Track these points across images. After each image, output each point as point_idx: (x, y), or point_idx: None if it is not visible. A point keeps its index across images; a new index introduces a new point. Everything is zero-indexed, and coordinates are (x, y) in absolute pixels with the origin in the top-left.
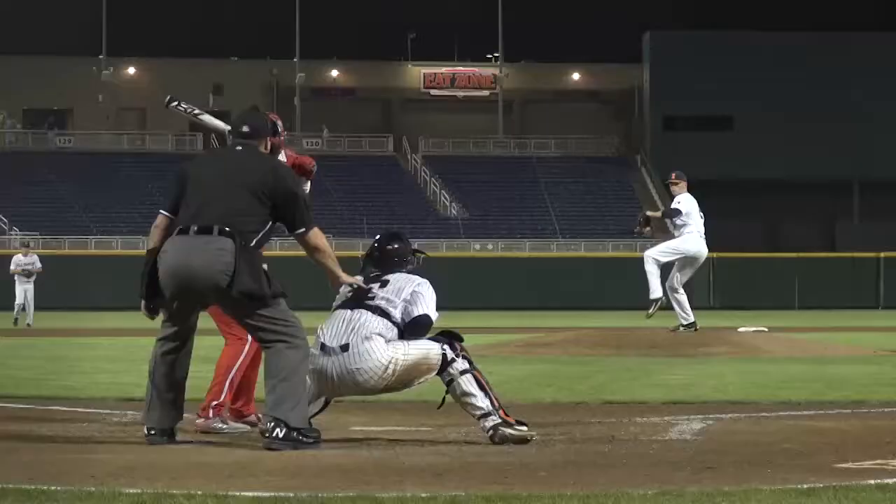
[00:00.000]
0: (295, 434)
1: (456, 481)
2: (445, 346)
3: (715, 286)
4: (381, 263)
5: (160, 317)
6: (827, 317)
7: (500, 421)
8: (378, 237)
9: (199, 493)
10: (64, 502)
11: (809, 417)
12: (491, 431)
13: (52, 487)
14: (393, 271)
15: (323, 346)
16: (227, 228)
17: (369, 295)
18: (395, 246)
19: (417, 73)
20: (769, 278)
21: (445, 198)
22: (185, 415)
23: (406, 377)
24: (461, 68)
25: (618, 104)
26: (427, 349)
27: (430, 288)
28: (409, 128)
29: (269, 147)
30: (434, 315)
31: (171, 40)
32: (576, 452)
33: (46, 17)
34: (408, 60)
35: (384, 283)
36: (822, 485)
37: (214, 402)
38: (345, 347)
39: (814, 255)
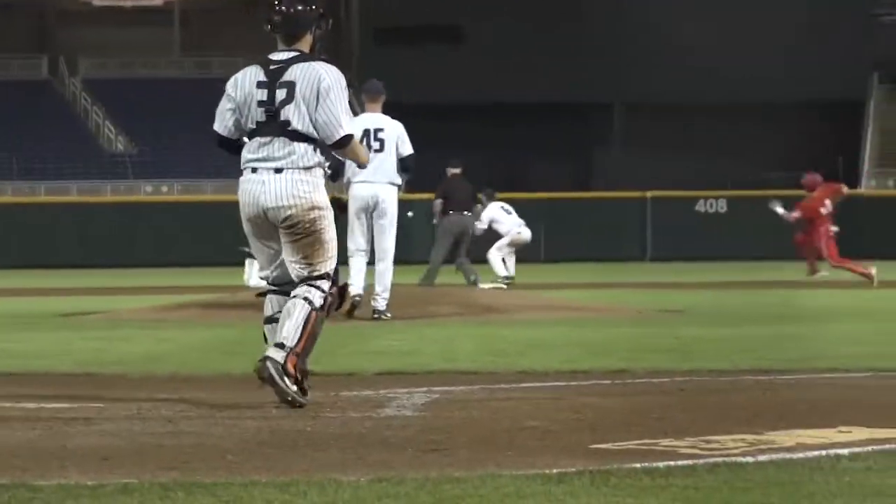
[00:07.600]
0: None
1: (128, 466)
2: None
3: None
4: (282, 27)
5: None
6: (581, 271)
7: (281, 364)
8: None
9: None
10: None
11: (560, 390)
12: (270, 368)
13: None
14: (296, 36)
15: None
16: None
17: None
18: (299, 8)
19: None
20: None
21: (110, 130)
22: None
23: (311, 240)
24: None
25: None
26: (334, 249)
27: (339, 84)
28: (68, 46)
29: None
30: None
31: None
32: (271, 432)
33: None
34: None
35: (290, 89)
36: (575, 469)
37: None
38: (279, 170)
39: (563, 196)
